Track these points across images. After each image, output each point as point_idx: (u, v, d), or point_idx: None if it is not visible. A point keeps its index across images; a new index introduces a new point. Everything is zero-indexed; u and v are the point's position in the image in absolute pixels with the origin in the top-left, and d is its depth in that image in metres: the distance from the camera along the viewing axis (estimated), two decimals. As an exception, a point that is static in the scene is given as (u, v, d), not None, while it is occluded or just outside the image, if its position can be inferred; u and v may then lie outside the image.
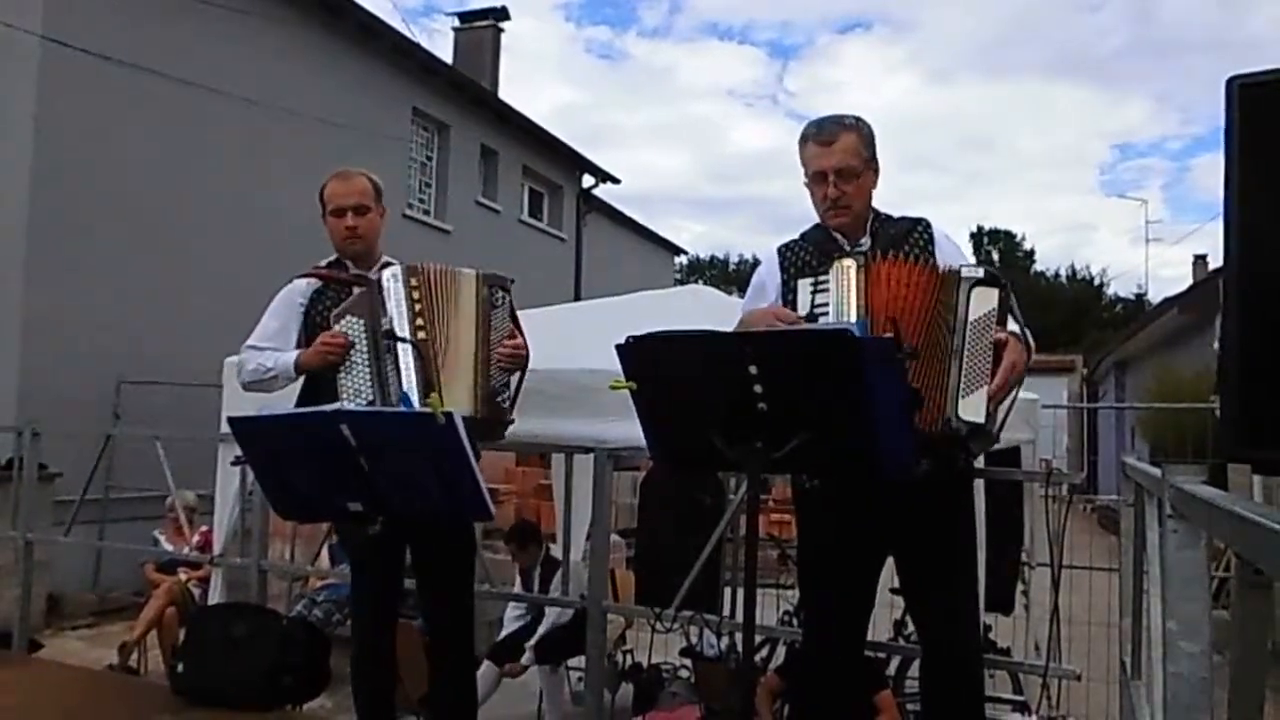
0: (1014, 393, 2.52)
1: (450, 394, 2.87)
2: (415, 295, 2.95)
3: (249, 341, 3.17)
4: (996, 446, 2.78)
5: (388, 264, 3.18)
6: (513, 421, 3.12)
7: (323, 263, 3.23)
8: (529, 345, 3.11)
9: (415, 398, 2.87)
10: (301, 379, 3.08)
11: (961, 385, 2.44)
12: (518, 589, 5.47)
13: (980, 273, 2.52)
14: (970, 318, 2.47)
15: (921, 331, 2.48)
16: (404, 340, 2.90)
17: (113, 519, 8.19)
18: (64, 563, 7.64)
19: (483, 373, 2.97)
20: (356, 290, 3.03)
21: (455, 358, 2.96)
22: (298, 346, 3.09)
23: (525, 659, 5.14)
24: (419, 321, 2.93)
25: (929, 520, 2.59)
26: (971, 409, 2.43)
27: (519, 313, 3.19)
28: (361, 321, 2.95)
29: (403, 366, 2.90)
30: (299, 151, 10.70)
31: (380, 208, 3.23)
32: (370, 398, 2.90)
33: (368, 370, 2.92)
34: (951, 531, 2.65)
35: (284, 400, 3.20)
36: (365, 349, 2.93)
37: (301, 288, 3.17)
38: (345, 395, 2.90)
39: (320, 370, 2.97)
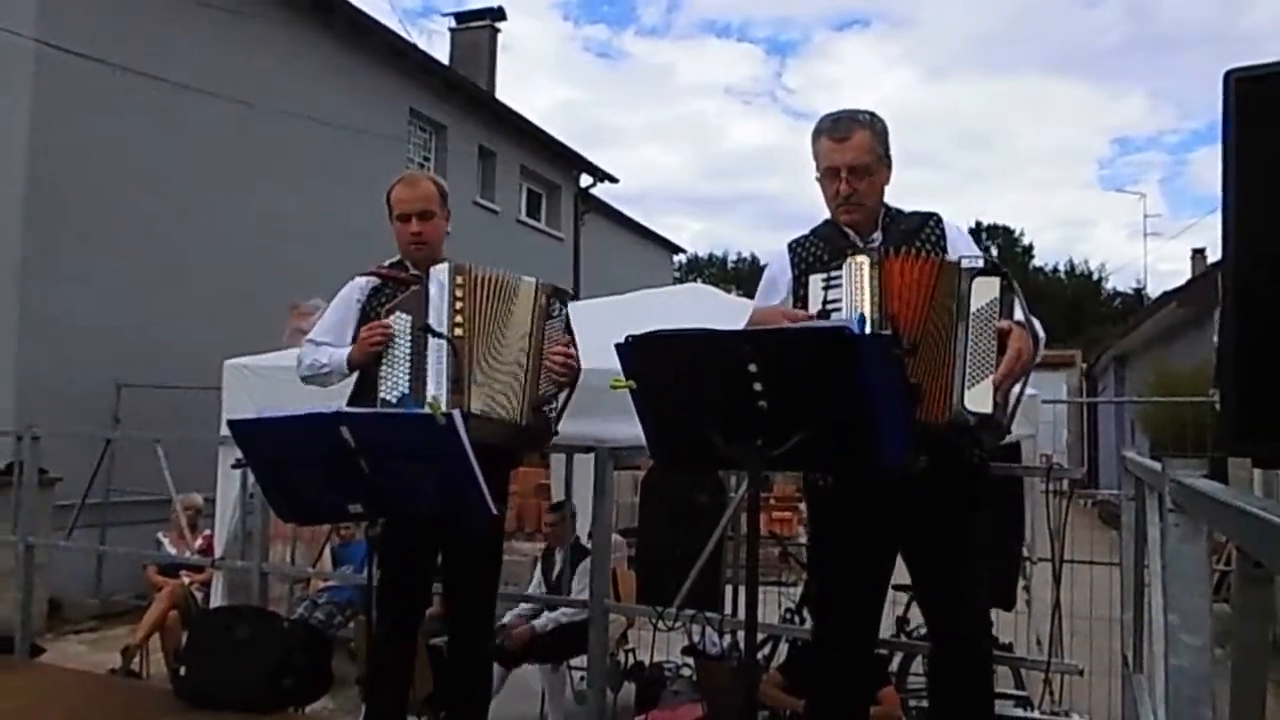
0: (1023, 382, 2.51)
1: (484, 396, 2.93)
2: (458, 294, 2.99)
3: (309, 335, 3.26)
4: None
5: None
6: (556, 434, 3.16)
7: (386, 263, 3.28)
8: (580, 359, 3.13)
9: (443, 395, 2.90)
10: (356, 374, 3.14)
11: (967, 376, 2.44)
12: (535, 583, 5.44)
13: (981, 262, 2.52)
14: (972, 308, 2.47)
15: (925, 325, 2.49)
16: (439, 335, 2.95)
17: (113, 522, 8.19)
18: (65, 567, 7.64)
19: (532, 381, 3.01)
20: (412, 288, 3.09)
21: (498, 361, 3.00)
22: (353, 341, 3.15)
23: (540, 621, 5.11)
24: (458, 319, 2.97)
25: (935, 515, 2.59)
26: (977, 400, 2.43)
27: None
28: (408, 318, 3.01)
29: (433, 360, 2.95)
30: (297, 153, 10.71)
31: (445, 212, 3.27)
32: (405, 390, 2.95)
33: (408, 364, 2.97)
34: (958, 526, 2.64)
35: (328, 396, 3.25)
36: (408, 344, 2.99)
37: (361, 284, 3.23)
38: (384, 387, 2.95)
39: (368, 364, 3.03)
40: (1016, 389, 2.50)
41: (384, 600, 3.18)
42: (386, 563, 3.16)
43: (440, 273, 3.04)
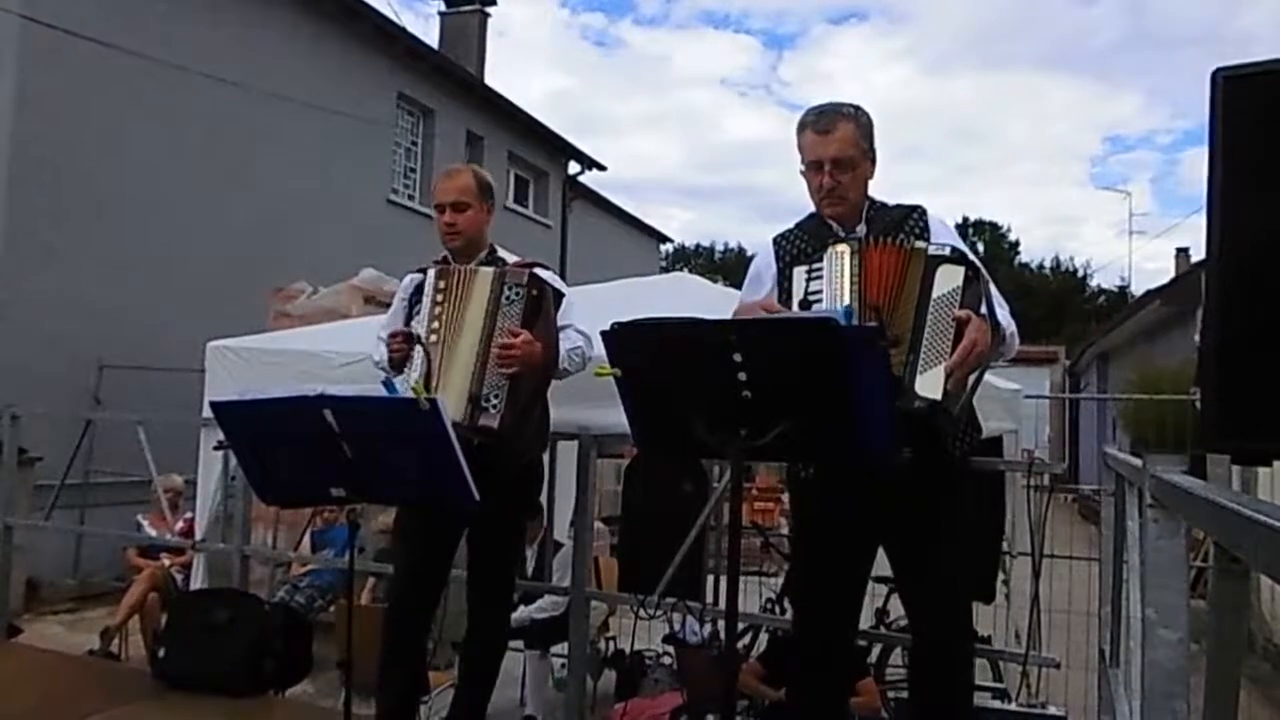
0: (976, 374, 2.50)
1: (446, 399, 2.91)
2: (438, 299, 3.02)
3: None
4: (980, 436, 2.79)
5: (493, 257, 3.23)
6: (493, 429, 2.92)
7: (438, 257, 3.29)
8: (558, 342, 3.05)
9: (403, 386, 2.88)
10: None
11: (921, 361, 2.42)
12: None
13: (946, 250, 2.51)
14: (934, 294, 2.46)
15: (899, 313, 2.48)
16: (419, 342, 2.99)
17: (93, 504, 8.14)
18: (44, 547, 7.60)
19: (476, 377, 2.94)
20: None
21: (452, 362, 2.97)
22: None
23: (516, 615, 5.13)
24: (434, 325, 3.00)
25: (916, 508, 2.59)
26: (928, 385, 2.40)
27: None
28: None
29: (418, 363, 2.97)
30: (284, 135, 10.63)
31: (485, 204, 3.25)
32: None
33: (420, 365, 3.00)
34: (939, 519, 2.65)
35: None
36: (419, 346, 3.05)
37: (407, 282, 3.28)
38: (402, 385, 2.96)
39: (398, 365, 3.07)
40: (971, 380, 2.50)
41: (395, 593, 3.17)
42: (410, 548, 3.17)
43: (431, 275, 3.08)
